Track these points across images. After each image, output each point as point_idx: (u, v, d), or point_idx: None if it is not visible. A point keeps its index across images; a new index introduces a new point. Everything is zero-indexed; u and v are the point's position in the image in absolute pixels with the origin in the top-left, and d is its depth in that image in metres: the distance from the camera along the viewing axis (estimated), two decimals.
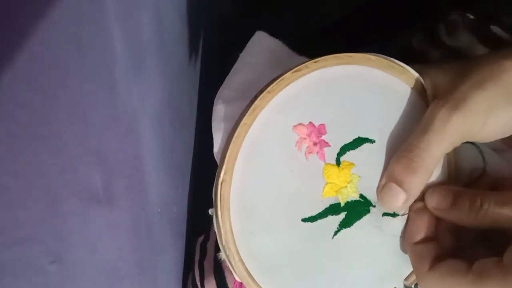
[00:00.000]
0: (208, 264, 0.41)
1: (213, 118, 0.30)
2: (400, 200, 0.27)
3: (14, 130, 0.18)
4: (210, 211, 0.29)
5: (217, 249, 0.39)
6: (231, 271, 0.38)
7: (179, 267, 0.42)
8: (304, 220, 0.29)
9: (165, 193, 0.37)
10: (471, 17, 0.34)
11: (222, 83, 0.32)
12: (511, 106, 0.26)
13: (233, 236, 0.27)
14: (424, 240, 0.28)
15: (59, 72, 0.20)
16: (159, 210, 0.35)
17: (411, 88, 0.29)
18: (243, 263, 0.28)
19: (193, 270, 0.42)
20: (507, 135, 0.28)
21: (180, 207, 0.42)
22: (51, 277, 0.21)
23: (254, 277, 0.28)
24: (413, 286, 0.30)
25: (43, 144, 0.20)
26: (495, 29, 0.33)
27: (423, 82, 0.29)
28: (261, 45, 0.33)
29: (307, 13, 0.44)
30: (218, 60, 0.36)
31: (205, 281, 0.40)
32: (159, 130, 0.35)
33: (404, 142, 0.29)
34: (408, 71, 0.29)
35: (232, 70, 0.32)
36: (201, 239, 0.44)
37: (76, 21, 0.21)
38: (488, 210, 0.26)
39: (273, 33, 0.37)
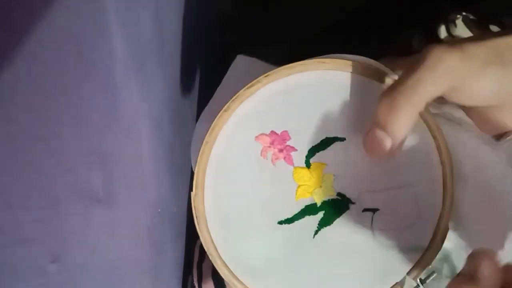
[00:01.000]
0: (207, 266, 0.41)
1: (192, 140, 0.33)
2: (386, 145, 0.26)
3: (14, 131, 0.18)
4: None
5: None
6: None
7: (179, 267, 0.42)
8: (280, 222, 0.30)
9: (165, 194, 0.37)
10: (471, 17, 0.34)
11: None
12: (505, 69, 0.25)
13: (213, 244, 0.29)
14: None
15: (59, 72, 0.20)
16: (159, 210, 0.35)
17: (375, 80, 0.29)
18: (227, 267, 0.29)
19: (192, 271, 0.42)
20: (491, 100, 0.26)
21: (179, 207, 0.42)
22: (51, 277, 0.21)
23: (240, 279, 0.30)
24: (418, 280, 0.29)
25: (43, 144, 0.20)
26: (495, 29, 0.33)
27: (390, 74, 0.29)
28: (240, 70, 0.35)
29: (306, 13, 0.44)
30: (218, 60, 0.36)
31: (203, 283, 0.40)
32: (159, 130, 0.35)
33: None
34: (371, 64, 0.29)
35: (214, 95, 0.34)
36: (200, 241, 0.44)
37: (76, 21, 0.21)
38: None
39: (272, 33, 0.37)
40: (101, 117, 0.25)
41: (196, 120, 0.41)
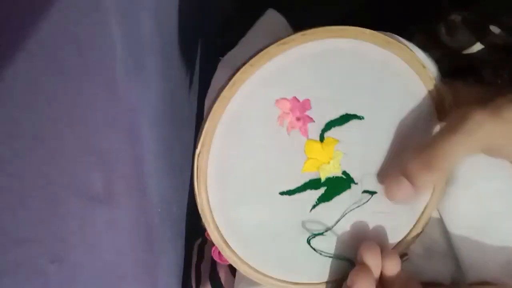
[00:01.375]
0: (205, 268, 0.41)
1: (209, 90, 0.31)
2: (408, 194, 0.27)
3: (14, 131, 0.18)
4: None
5: None
6: (226, 273, 0.38)
7: (179, 267, 0.42)
8: (282, 193, 0.29)
9: (165, 193, 0.37)
10: (471, 17, 0.34)
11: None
12: None
13: (209, 206, 0.28)
14: None
15: (59, 72, 0.20)
16: (159, 210, 0.35)
17: (410, 66, 0.28)
18: (218, 230, 0.28)
19: (190, 272, 0.42)
20: None
21: (180, 207, 0.42)
22: (51, 277, 0.21)
23: (229, 244, 0.29)
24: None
25: (43, 144, 0.20)
26: (495, 29, 0.33)
27: (426, 65, 0.28)
28: (267, 22, 0.33)
29: (306, 13, 0.44)
30: (218, 60, 0.36)
31: (201, 284, 0.40)
32: (159, 130, 0.35)
33: (401, 123, 0.28)
34: (407, 46, 0.28)
35: (238, 43, 0.32)
36: (198, 241, 0.44)
37: (76, 21, 0.21)
38: None
39: None
40: (101, 117, 0.25)
41: (196, 120, 0.41)
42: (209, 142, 0.27)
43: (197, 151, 0.27)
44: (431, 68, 0.28)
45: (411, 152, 0.27)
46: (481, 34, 0.34)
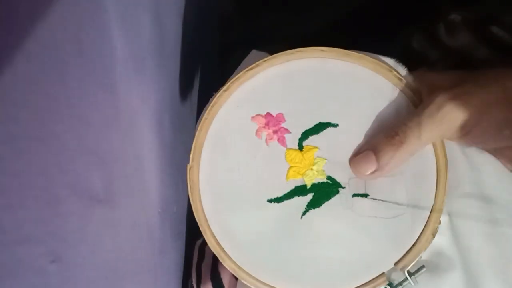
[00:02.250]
0: (206, 267, 0.41)
1: (197, 121, 0.33)
2: (370, 168, 0.28)
3: (14, 131, 0.18)
4: None
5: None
6: (227, 273, 0.38)
7: (179, 267, 0.42)
8: (270, 200, 0.31)
9: (165, 193, 0.37)
10: (471, 17, 0.34)
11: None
12: (509, 110, 0.26)
13: (204, 215, 0.31)
14: None
15: (59, 72, 0.20)
16: (159, 210, 0.35)
17: (375, 72, 0.30)
18: (215, 238, 0.31)
19: (191, 272, 0.42)
20: (496, 141, 0.27)
21: (180, 207, 0.42)
22: (51, 277, 0.21)
23: (226, 250, 0.31)
24: (405, 272, 0.29)
25: (43, 144, 0.20)
26: (495, 29, 0.33)
27: (389, 65, 0.30)
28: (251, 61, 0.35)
29: (306, 13, 0.44)
30: (218, 60, 0.36)
31: (202, 284, 0.40)
32: (159, 130, 0.35)
33: (374, 122, 0.30)
34: (366, 56, 0.30)
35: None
36: (199, 241, 0.44)
37: (76, 21, 0.21)
38: None
39: (272, 33, 0.37)
40: (101, 117, 0.25)
41: (196, 120, 0.41)
42: (198, 157, 0.31)
43: (188, 165, 0.31)
44: (399, 69, 0.30)
45: (382, 130, 0.29)
46: (481, 34, 0.34)
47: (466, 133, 0.27)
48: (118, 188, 0.27)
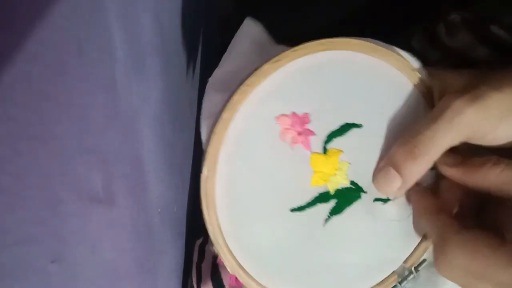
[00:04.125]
0: (206, 267, 0.41)
1: (201, 114, 0.30)
2: (395, 185, 0.27)
3: (14, 131, 0.18)
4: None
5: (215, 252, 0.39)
6: (228, 273, 0.38)
7: (179, 267, 0.42)
8: (293, 210, 0.29)
9: (165, 193, 0.37)
10: (471, 17, 0.34)
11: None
12: None
13: (220, 230, 0.28)
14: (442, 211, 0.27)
15: (59, 72, 0.20)
16: (159, 210, 0.35)
17: (398, 70, 0.29)
18: (233, 255, 0.28)
19: (191, 272, 0.42)
20: None
21: (180, 207, 0.42)
22: (51, 277, 0.21)
23: (245, 268, 0.29)
24: (412, 268, 0.30)
25: (43, 144, 0.20)
26: (495, 29, 0.33)
27: (413, 65, 0.29)
28: (246, 35, 0.33)
29: (306, 13, 0.44)
30: (218, 60, 0.36)
31: (202, 283, 0.40)
32: (159, 130, 0.35)
33: (396, 124, 0.28)
34: (394, 54, 0.28)
35: (220, 62, 0.32)
36: (199, 241, 0.44)
37: (76, 21, 0.21)
38: (504, 169, 0.25)
39: (272, 33, 0.37)
40: (101, 117, 0.25)
41: (196, 120, 0.41)
42: (214, 165, 0.27)
43: (203, 176, 0.27)
44: (416, 65, 0.29)
45: (397, 142, 0.27)
46: (481, 34, 0.34)
47: (483, 137, 0.27)
48: (118, 188, 0.27)
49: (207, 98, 0.30)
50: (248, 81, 0.26)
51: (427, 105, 0.29)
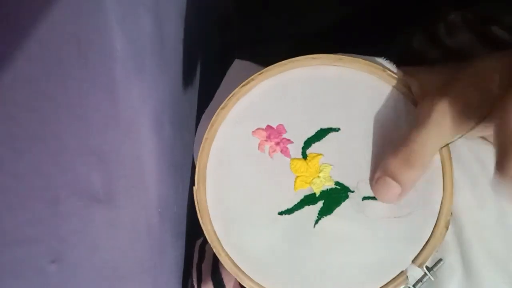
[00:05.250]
0: (206, 267, 0.41)
1: (195, 139, 0.34)
2: (396, 194, 0.28)
3: (14, 131, 0.18)
4: None
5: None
6: (228, 274, 0.38)
7: (179, 267, 0.42)
8: (281, 213, 0.30)
9: (165, 193, 0.37)
10: (471, 17, 0.34)
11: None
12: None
13: (217, 237, 0.30)
14: None
15: (59, 72, 0.20)
16: (159, 210, 0.35)
17: (368, 73, 0.30)
18: (230, 258, 0.30)
19: (191, 272, 0.42)
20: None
21: (180, 207, 0.42)
22: (51, 277, 0.21)
23: (244, 270, 0.30)
24: (424, 267, 0.29)
25: (43, 144, 0.20)
26: (495, 29, 0.33)
27: (384, 65, 0.30)
28: (238, 73, 0.36)
29: (306, 14, 0.44)
30: (218, 60, 0.36)
31: (203, 283, 0.40)
32: (159, 130, 0.35)
33: (377, 123, 0.29)
34: (359, 58, 0.30)
35: (214, 98, 0.35)
36: (200, 241, 0.44)
37: (76, 21, 0.21)
38: None
39: (272, 33, 0.37)
40: (101, 117, 0.25)
41: (196, 120, 0.41)
42: (203, 178, 0.30)
43: (195, 188, 0.30)
44: (390, 67, 0.30)
45: (389, 152, 0.28)
46: (481, 34, 0.34)
47: (472, 130, 0.27)
48: (118, 188, 0.27)
49: (201, 126, 0.34)
50: (222, 105, 0.30)
51: (407, 100, 0.30)
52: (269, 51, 0.37)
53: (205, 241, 0.44)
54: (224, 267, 0.37)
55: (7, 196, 0.18)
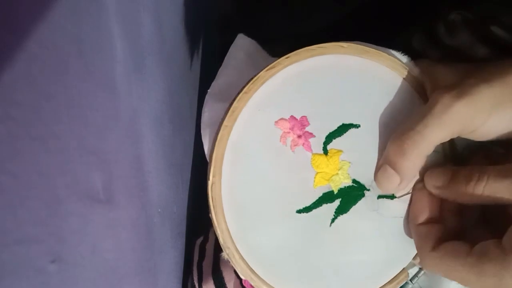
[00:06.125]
0: (207, 266, 0.41)
1: (201, 124, 0.31)
2: (394, 182, 0.27)
3: (14, 130, 0.18)
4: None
5: (216, 250, 0.39)
6: (229, 272, 0.38)
7: (179, 267, 0.42)
8: (299, 211, 0.29)
9: (165, 193, 0.37)
10: (471, 17, 0.34)
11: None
12: None
13: (230, 235, 0.28)
14: (428, 221, 0.28)
15: (59, 72, 0.20)
16: (159, 210, 0.35)
17: (391, 69, 0.29)
18: (244, 260, 0.29)
19: (192, 271, 0.42)
20: (505, 137, 0.27)
21: (180, 207, 0.42)
22: (51, 277, 0.21)
23: (257, 272, 0.29)
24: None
25: (43, 144, 0.20)
26: (495, 29, 0.33)
27: (404, 62, 0.29)
28: (240, 48, 0.34)
29: (306, 14, 0.44)
30: (218, 60, 0.36)
31: (203, 282, 0.40)
32: (159, 130, 0.35)
33: (393, 121, 0.29)
34: (384, 53, 0.29)
35: (217, 74, 0.33)
36: (200, 240, 0.44)
37: (76, 21, 0.21)
38: (487, 183, 0.25)
39: (272, 33, 0.37)
40: (101, 117, 0.25)
41: (196, 120, 0.41)
42: (219, 172, 0.28)
43: (209, 182, 0.27)
44: (408, 62, 0.30)
45: (390, 139, 0.28)
46: (481, 34, 0.34)
47: (474, 131, 0.27)
48: (118, 188, 0.27)
49: (207, 107, 0.31)
50: (245, 89, 0.28)
51: (422, 100, 0.30)
52: (269, 51, 0.37)
53: (205, 240, 0.44)
54: (226, 267, 0.37)
55: (7, 196, 0.18)
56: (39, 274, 0.20)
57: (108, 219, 0.26)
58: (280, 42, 0.42)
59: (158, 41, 0.33)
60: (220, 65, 0.35)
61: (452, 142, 0.30)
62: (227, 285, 0.39)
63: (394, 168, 0.27)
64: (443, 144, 0.29)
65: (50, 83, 0.20)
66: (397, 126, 0.28)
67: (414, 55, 0.36)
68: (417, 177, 0.29)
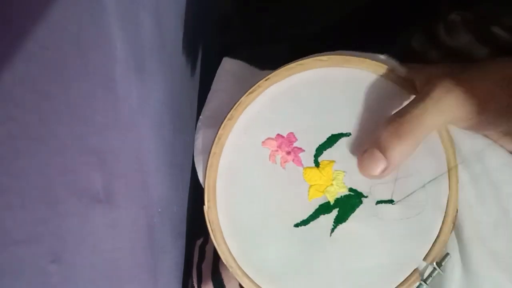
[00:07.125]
0: (206, 267, 0.41)
1: (194, 151, 0.32)
2: (379, 168, 0.26)
3: (14, 131, 0.18)
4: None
5: (215, 253, 0.39)
6: (228, 275, 0.38)
7: (179, 267, 0.42)
8: (296, 225, 0.30)
9: (165, 193, 0.37)
10: (471, 17, 0.34)
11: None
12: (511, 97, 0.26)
13: (231, 255, 0.29)
14: None
15: (59, 72, 0.20)
16: (159, 210, 0.35)
17: (376, 74, 0.29)
18: (248, 277, 0.30)
19: (191, 272, 0.42)
20: (499, 127, 0.27)
21: (180, 207, 0.42)
22: (51, 277, 0.21)
23: (261, 287, 0.30)
24: (434, 263, 0.30)
25: (43, 144, 0.20)
26: (495, 29, 0.33)
27: (389, 64, 0.29)
28: (227, 71, 0.35)
29: (306, 13, 0.44)
30: (218, 60, 0.36)
31: (203, 284, 0.40)
32: (159, 130, 0.35)
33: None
34: (367, 59, 0.29)
35: (207, 99, 0.34)
36: (200, 241, 0.44)
37: (76, 21, 0.21)
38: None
39: (272, 33, 0.37)
40: (101, 117, 0.25)
41: (196, 120, 0.41)
42: (213, 196, 0.29)
43: (205, 207, 0.29)
44: (398, 66, 0.29)
45: (383, 123, 0.27)
46: (481, 34, 0.34)
47: (471, 119, 0.26)
48: (118, 188, 0.27)
49: (199, 134, 0.32)
50: (229, 116, 0.29)
51: (412, 95, 0.29)
52: (269, 51, 0.37)
53: (205, 242, 0.44)
54: (223, 266, 0.37)
55: (7, 196, 0.18)
56: (39, 274, 0.20)
57: (108, 219, 0.26)
58: (280, 42, 0.42)
59: (158, 41, 0.33)
60: (220, 65, 0.35)
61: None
62: (226, 286, 0.39)
63: (383, 152, 0.26)
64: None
65: (50, 83, 0.20)
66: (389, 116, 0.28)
67: (414, 55, 0.36)
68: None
